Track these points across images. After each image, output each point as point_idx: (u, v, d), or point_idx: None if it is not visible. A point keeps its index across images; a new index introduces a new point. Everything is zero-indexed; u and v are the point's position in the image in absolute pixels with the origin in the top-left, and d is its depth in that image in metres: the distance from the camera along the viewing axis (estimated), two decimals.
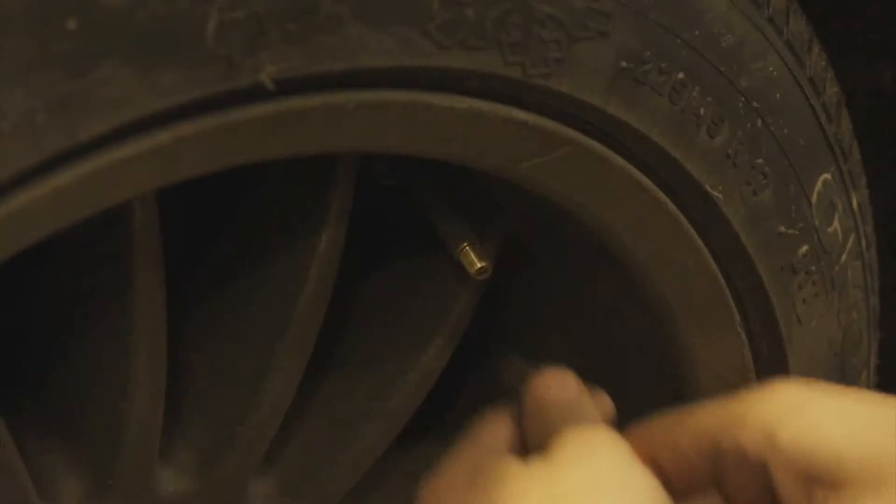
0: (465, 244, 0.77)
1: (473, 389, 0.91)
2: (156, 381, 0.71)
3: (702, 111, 0.72)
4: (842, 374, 0.91)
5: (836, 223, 0.84)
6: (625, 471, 0.63)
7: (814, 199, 0.81)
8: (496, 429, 0.72)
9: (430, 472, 0.70)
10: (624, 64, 0.68)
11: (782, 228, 0.80)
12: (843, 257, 0.86)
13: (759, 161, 0.77)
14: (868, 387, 0.96)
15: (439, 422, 0.90)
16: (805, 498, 0.62)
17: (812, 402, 0.62)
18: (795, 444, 0.61)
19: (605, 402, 0.73)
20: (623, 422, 0.69)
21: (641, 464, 0.64)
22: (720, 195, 0.76)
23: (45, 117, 0.51)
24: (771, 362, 0.85)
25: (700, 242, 0.78)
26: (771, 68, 0.75)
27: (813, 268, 0.83)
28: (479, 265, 0.77)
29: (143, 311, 0.68)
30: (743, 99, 0.74)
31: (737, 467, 0.64)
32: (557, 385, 0.71)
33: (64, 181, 0.54)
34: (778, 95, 0.76)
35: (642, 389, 0.86)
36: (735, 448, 0.63)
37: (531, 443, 0.70)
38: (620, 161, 0.71)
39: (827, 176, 0.82)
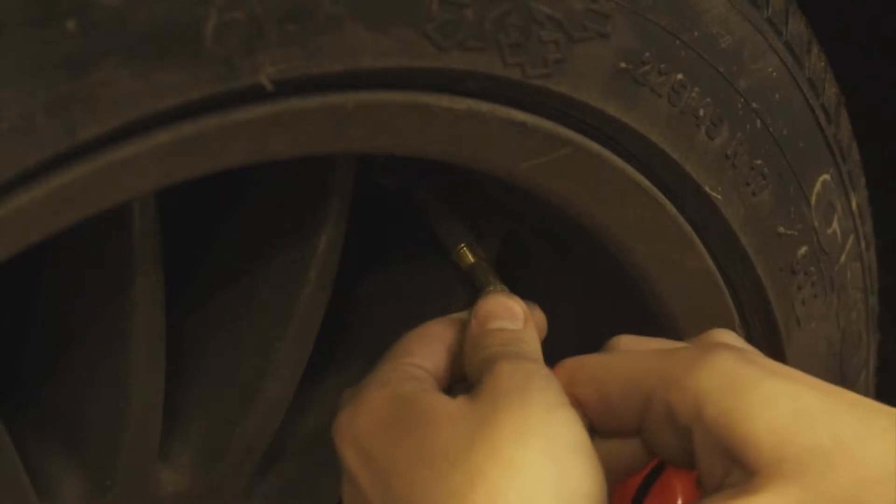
0: (463, 245, 0.77)
1: None
2: (155, 382, 0.71)
3: (701, 112, 0.72)
4: (841, 374, 0.91)
5: (835, 224, 0.84)
6: (555, 418, 0.62)
7: (813, 199, 0.81)
8: (425, 353, 0.71)
9: (351, 391, 0.68)
10: (623, 65, 0.68)
11: (781, 229, 0.80)
12: (842, 258, 0.86)
13: (759, 162, 0.77)
14: (867, 387, 0.96)
15: None
16: (722, 473, 0.62)
17: (745, 381, 0.62)
18: (719, 421, 0.61)
19: (540, 317, 0.73)
20: None
21: (573, 411, 0.63)
22: (719, 196, 0.76)
23: (44, 118, 0.51)
24: None
25: (699, 243, 0.78)
26: (770, 69, 0.75)
27: (812, 269, 0.83)
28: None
29: (142, 311, 0.68)
30: (742, 100, 0.74)
31: (662, 425, 0.64)
32: (505, 314, 0.70)
33: (63, 182, 0.54)
34: (777, 96, 0.76)
35: None
36: (663, 407, 0.63)
37: (466, 368, 0.69)
38: (619, 162, 0.71)
39: (826, 177, 0.82)
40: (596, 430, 0.66)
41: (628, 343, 0.70)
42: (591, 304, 0.86)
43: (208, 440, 0.76)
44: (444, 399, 0.65)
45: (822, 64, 0.81)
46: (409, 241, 0.84)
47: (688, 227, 0.77)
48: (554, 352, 0.70)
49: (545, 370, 0.66)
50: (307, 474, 0.83)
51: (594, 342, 0.71)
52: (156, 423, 0.72)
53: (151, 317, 0.69)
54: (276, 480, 0.82)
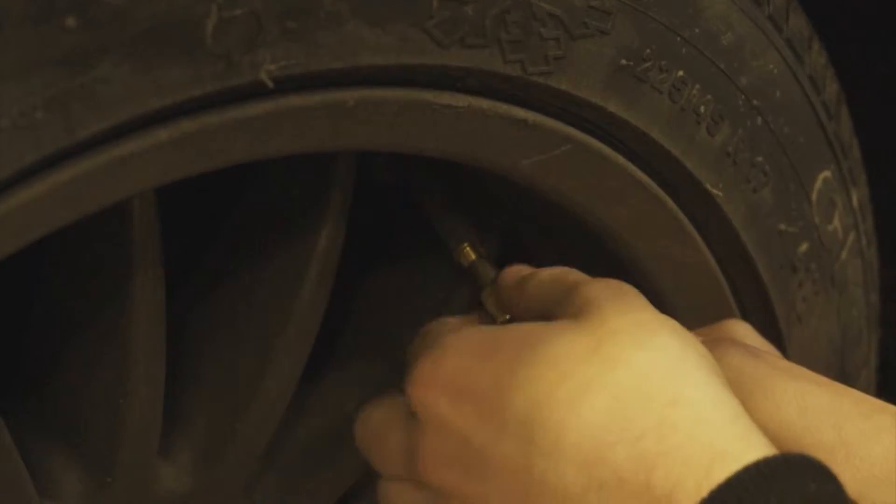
0: (464, 242, 0.77)
1: None
2: (155, 379, 0.71)
3: (702, 109, 0.72)
4: (842, 371, 0.91)
5: (836, 221, 0.84)
6: (663, 318, 0.62)
7: (814, 196, 0.81)
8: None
9: (417, 345, 0.67)
10: (624, 62, 0.68)
11: (782, 226, 0.80)
12: (843, 255, 0.86)
13: (759, 159, 0.77)
14: (868, 384, 0.96)
15: None
16: None
17: (752, 378, 0.62)
18: None
19: None
20: None
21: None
22: (720, 193, 0.76)
23: (44, 115, 0.51)
24: None
25: (700, 240, 0.78)
26: (771, 66, 0.75)
27: (813, 266, 0.83)
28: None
29: (142, 308, 0.68)
30: (743, 97, 0.74)
31: None
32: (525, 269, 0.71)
33: (63, 179, 0.53)
34: (778, 93, 0.76)
35: None
36: None
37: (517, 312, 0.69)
38: (620, 159, 0.71)
39: (827, 174, 0.82)
40: None
41: None
42: None
43: (208, 438, 0.76)
44: (538, 324, 0.63)
45: (823, 61, 0.81)
46: (410, 238, 0.84)
47: (688, 224, 0.77)
48: None
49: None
50: (307, 473, 0.82)
51: None
52: (156, 420, 0.72)
53: (152, 314, 0.69)
54: (275, 479, 0.82)
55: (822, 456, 0.59)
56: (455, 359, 0.64)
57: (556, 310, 0.65)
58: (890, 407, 0.62)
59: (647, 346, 0.59)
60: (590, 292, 0.63)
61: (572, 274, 0.68)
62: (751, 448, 0.54)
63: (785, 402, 0.61)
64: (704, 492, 0.53)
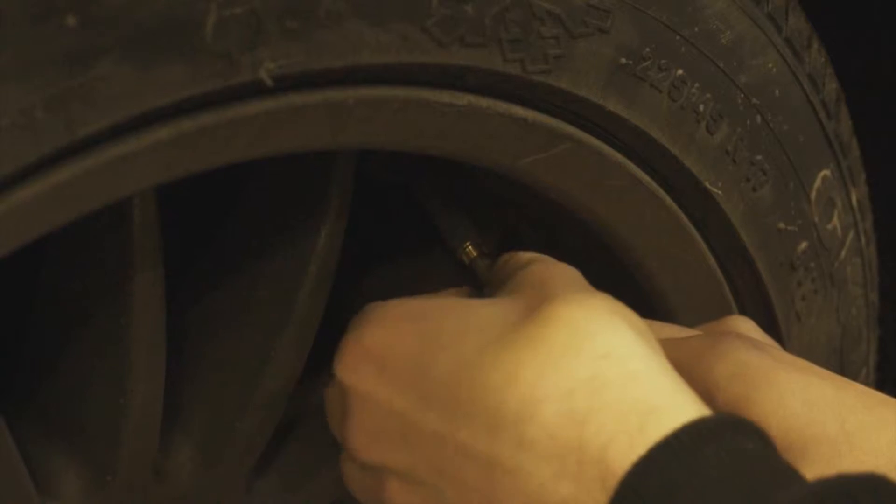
0: (465, 240, 0.77)
1: None
2: (155, 378, 0.71)
3: (701, 107, 0.72)
4: (841, 370, 0.91)
5: (835, 220, 0.84)
6: (600, 294, 0.61)
7: (813, 195, 0.81)
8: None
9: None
10: (623, 60, 0.68)
11: (781, 225, 0.80)
12: (843, 254, 0.86)
13: (759, 157, 0.77)
14: (867, 383, 0.96)
15: None
16: None
17: (756, 370, 0.62)
18: (729, 410, 0.61)
19: None
20: None
21: None
22: (719, 191, 0.76)
23: (44, 114, 0.51)
24: None
25: (699, 239, 0.78)
26: (770, 65, 0.75)
27: (812, 264, 0.83)
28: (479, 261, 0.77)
29: (142, 307, 0.68)
30: (742, 95, 0.74)
31: None
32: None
33: (62, 178, 0.54)
34: (777, 92, 0.76)
35: None
36: None
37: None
38: (619, 157, 0.71)
39: (826, 172, 0.82)
40: None
41: None
42: None
43: (208, 436, 0.76)
44: (467, 298, 0.63)
45: (823, 59, 0.81)
46: (410, 236, 0.84)
47: (688, 223, 0.77)
48: None
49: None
50: (307, 470, 0.82)
51: None
52: (156, 418, 0.72)
53: (152, 313, 0.69)
54: (275, 477, 0.82)
55: (825, 448, 0.59)
56: (377, 330, 0.63)
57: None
58: (892, 400, 0.62)
59: (579, 306, 0.58)
60: (532, 271, 0.63)
61: (527, 256, 0.68)
62: (683, 404, 0.54)
63: (789, 394, 0.61)
64: (641, 449, 0.52)
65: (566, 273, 0.63)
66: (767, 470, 0.52)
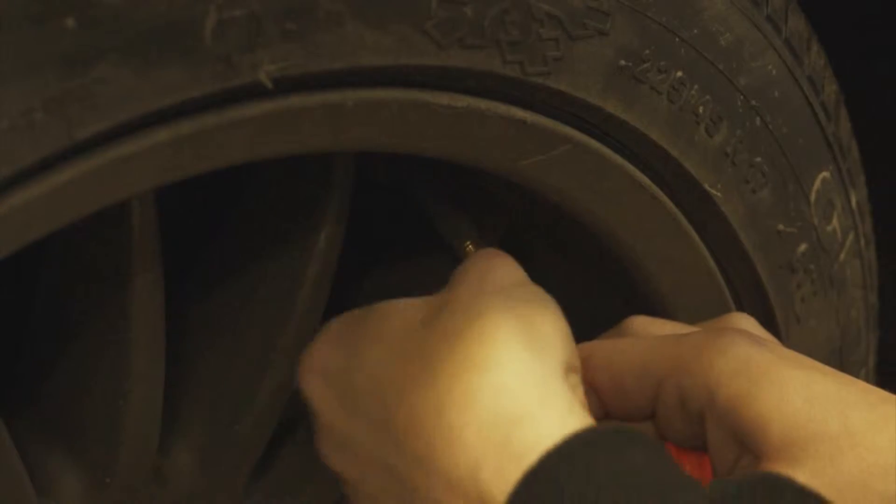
0: (465, 242, 0.77)
1: None
2: (154, 380, 0.71)
3: (700, 109, 0.72)
4: (840, 371, 0.91)
5: (834, 221, 0.84)
6: (508, 287, 0.61)
7: (812, 197, 0.81)
8: None
9: None
10: (623, 62, 0.68)
11: (781, 227, 0.80)
12: (842, 256, 0.86)
13: (758, 159, 0.77)
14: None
15: None
16: (734, 458, 0.62)
17: (758, 366, 0.62)
18: (731, 404, 0.61)
19: None
20: None
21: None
22: (719, 193, 0.76)
23: (42, 116, 0.51)
24: None
25: (698, 241, 0.78)
26: (770, 67, 0.75)
27: (811, 266, 0.83)
28: None
29: (141, 309, 0.68)
30: (742, 97, 0.74)
31: (675, 409, 0.64)
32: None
33: (62, 180, 0.53)
34: (777, 94, 0.76)
35: None
36: (676, 391, 0.63)
37: None
38: (619, 159, 0.71)
39: (826, 174, 0.82)
40: (609, 414, 0.66)
41: (642, 325, 0.70)
42: (590, 300, 0.86)
43: (207, 439, 0.76)
44: (396, 300, 0.64)
45: (822, 61, 0.81)
46: (409, 238, 0.84)
47: (687, 225, 0.77)
48: None
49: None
50: (306, 473, 0.83)
51: (593, 338, 0.71)
52: (155, 421, 0.72)
53: (151, 315, 0.69)
54: (274, 479, 0.82)
55: (827, 445, 0.59)
56: (322, 344, 0.64)
57: None
58: (894, 397, 0.62)
59: (464, 315, 0.58)
60: (459, 269, 0.64)
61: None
62: (550, 415, 0.54)
63: (791, 390, 0.61)
64: (510, 467, 0.52)
65: (484, 270, 0.63)
66: (657, 476, 0.52)
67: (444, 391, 0.56)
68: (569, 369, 0.59)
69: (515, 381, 0.56)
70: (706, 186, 0.75)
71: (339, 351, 0.63)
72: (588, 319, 0.87)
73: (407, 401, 0.57)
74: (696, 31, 0.70)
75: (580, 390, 0.60)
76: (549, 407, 0.55)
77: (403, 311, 0.62)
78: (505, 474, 0.53)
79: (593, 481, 0.51)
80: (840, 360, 0.90)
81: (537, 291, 0.62)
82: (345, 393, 0.62)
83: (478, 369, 0.56)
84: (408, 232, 0.84)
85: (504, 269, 0.63)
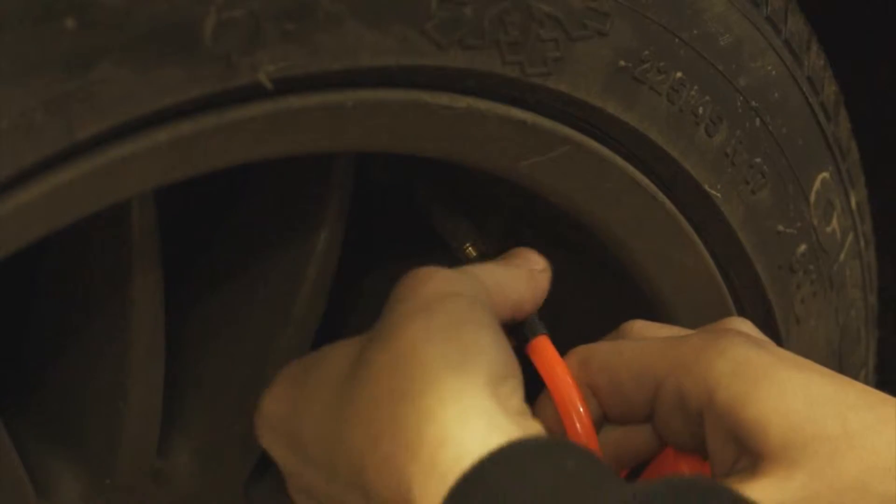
0: (465, 242, 0.77)
1: None
2: (154, 380, 0.71)
3: (700, 110, 0.72)
4: (839, 372, 0.91)
5: (834, 222, 0.84)
6: (434, 304, 0.62)
7: (812, 198, 0.81)
8: None
9: None
10: (622, 63, 0.68)
11: (781, 227, 0.80)
12: (842, 256, 0.86)
13: (758, 160, 0.77)
14: (866, 385, 0.96)
15: None
16: (732, 460, 0.62)
17: (757, 367, 0.62)
18: (730, 406, 0.61)
19: (541, 279, 0.71)
20: None
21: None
22: (718, 194, 0.76)
23: (43, 116, 0.51)
24: None
25: (698, 241, 0.78)
26: (769, 67, 0.75)
27: (811, 267, 0.83)
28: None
29: (141, 310, 0.68)
30: (741, 98, 0.74)
31: (674, 411, 0.64)
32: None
33: (62, 180, 0.54)
34: (776, 94, 0.76)
35: None
36: (675, 392, 0.63)
37: None
38: (619, 160, 0.71)
39: (825, 175, 0.82)
40: (608, 417, 0.66)
41: (641, 329, 0.70)
42: (589, 300, 0.86)
43: (207, 439, 0.76)
44: (342, 341, 0.65)
45: (822, 62, 0.81)
46: (410, 238, 0.84)
47: (687, 225, 0.77)
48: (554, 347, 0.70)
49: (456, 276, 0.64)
50: None
51: (593, 339, 0.71)
52: (155, 421, 0.72)
53: (151, 316, 0.69)
54: (273, 481, 0.82)
55: (825, 446, 0.59)
56: (271, 397, 0.66)
57: None
58: (893, 399, 0.62)
59: (388, 349, 0.60)
60: (390, 293, 0.64)
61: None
62: (474, 434, 0.55)
63: (789, 391, 0.61)
64: (438, 495, 0.54)
65: (406, 291, 0.63)
66: (587, 481, 0.53)
67: (377, 425, 0.58)
68: (500, 378, 0.59)
69: (437, 405, 0.57)
70: (706, 187, 0.75)
71: (284, 404, 0.65)
72: (586, 317, 0.87)
73: (346, 443, 0.60)
74: (695, 31, 0.70)
75: (517, 397, 0.60)
76: (468, 426, 0.56)
77: (338, 354, 0.63)
78: (431, 494, 0.55)
79: (508, 495, 0.53)
80: (840, 360, 0.90)
81: (460, 301, 0.62)
82: (294, 442, 0.64)
83: (403, 399, 0.57)
84: (408, 232, 0.84)
85: (427, 286, 0.63)
